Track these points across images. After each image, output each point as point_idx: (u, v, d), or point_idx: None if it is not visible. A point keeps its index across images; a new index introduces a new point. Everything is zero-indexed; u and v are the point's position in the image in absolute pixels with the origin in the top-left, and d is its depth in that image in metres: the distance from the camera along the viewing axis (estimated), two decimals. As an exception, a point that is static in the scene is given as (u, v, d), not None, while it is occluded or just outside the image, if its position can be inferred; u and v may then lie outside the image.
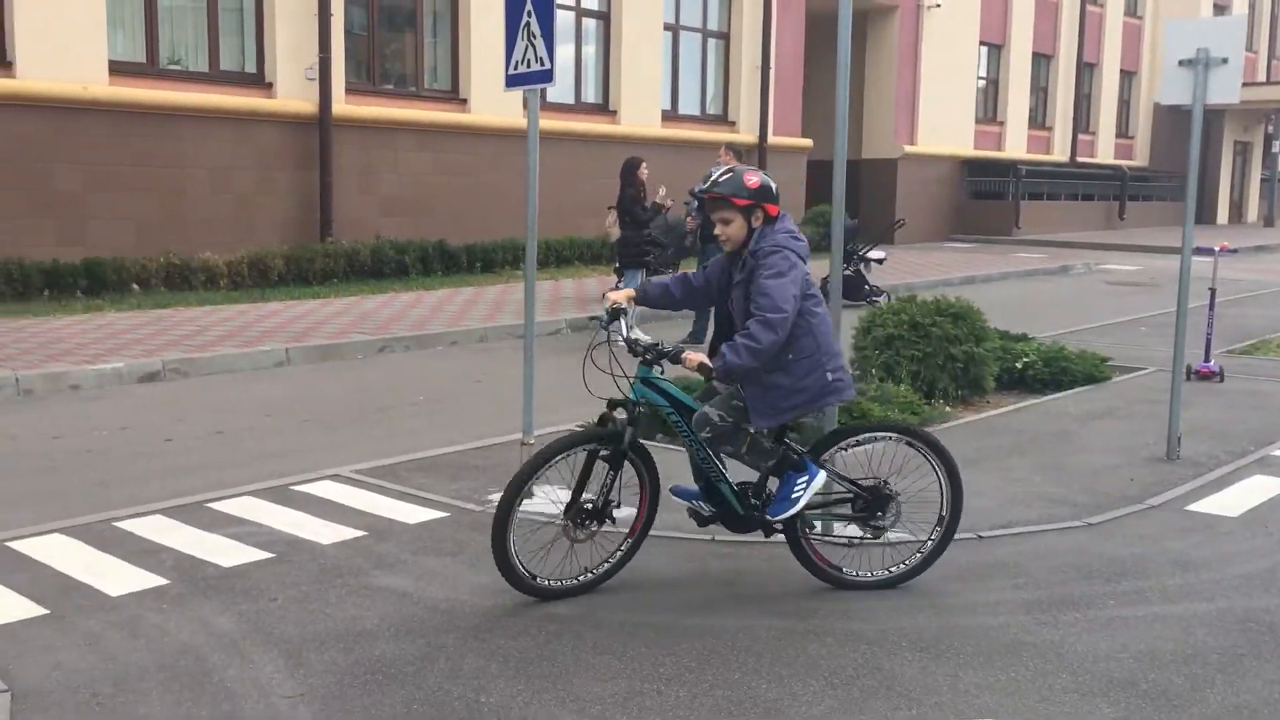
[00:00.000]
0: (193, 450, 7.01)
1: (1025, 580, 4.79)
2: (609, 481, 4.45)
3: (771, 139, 21.29)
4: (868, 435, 4.73)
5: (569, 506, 4.44)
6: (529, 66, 5.57)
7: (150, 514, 5.45)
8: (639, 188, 11.27)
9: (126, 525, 5.28)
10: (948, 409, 7.83)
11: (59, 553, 4.90)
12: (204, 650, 3.95)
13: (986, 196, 27.65)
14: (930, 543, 4.75)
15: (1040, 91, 30.92)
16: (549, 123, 17.09)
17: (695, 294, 4.73)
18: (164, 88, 13.56)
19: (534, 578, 4.41)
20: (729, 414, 4.39)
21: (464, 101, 16.65)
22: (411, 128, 15.89)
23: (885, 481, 4.71)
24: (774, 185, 4.48)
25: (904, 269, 18.48)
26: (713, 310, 8.11)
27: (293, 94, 14.61)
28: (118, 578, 4.62)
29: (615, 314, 4.53)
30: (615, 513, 4.52)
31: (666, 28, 19.57)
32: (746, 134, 20.63)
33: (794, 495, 4.43)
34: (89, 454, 6.88)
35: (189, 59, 14.17)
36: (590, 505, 4.45)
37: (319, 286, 13.81)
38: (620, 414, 4.44)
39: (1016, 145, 29.47)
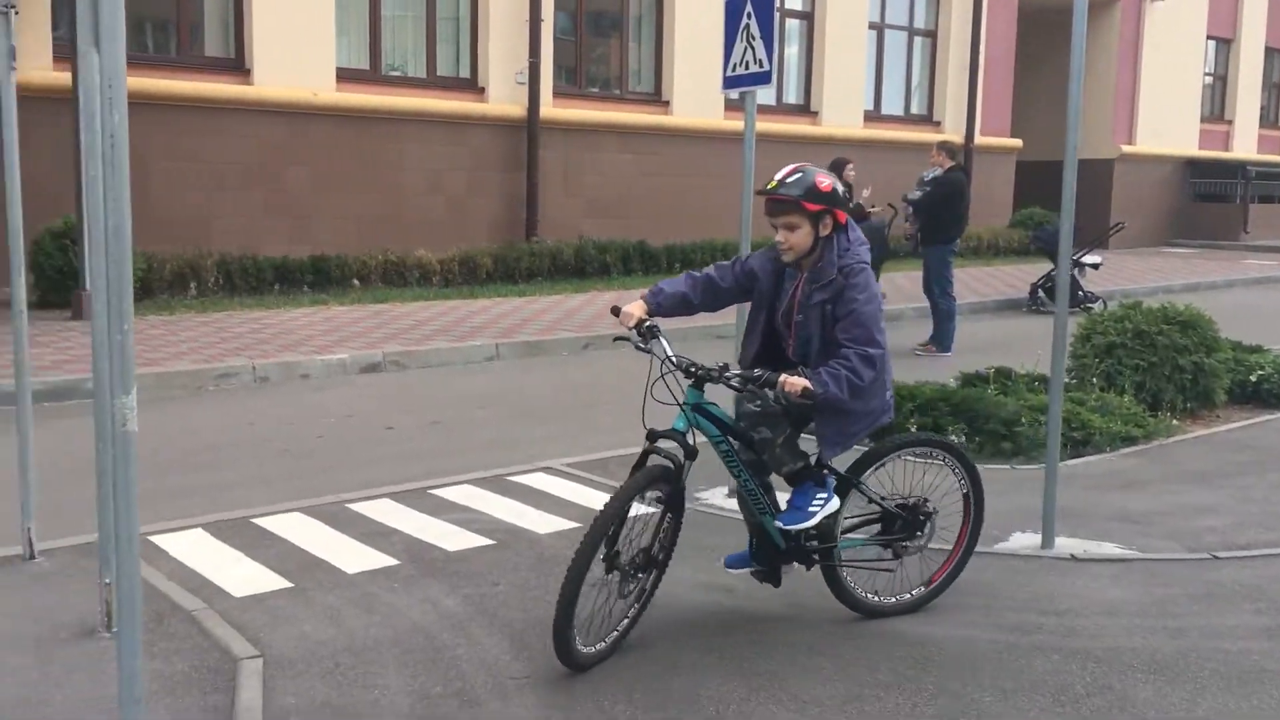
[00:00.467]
0: (413, 438, 7.34)
1: (1267, 605, 4.50)
2: (668, 526, 4.00)
3: (979, 139, 20.66)
4: (899, 450, 4.33)
5: (610, 560, 3.81)
6: (747, 68, 5.60)
7: (379, 498, 5.75)
8: (844, 188, 11.14)
9: (357, 507, 5.58)
10: (1174, 422, 7.43)
11: (299, 530, 5.22)
12: (434, 629, 4.14)
13: (1211, 199, 26.06)
14: (952, 563, 4.50)
15: (1273, 88, 28.91)
16: (750, 124, 17.11)
17: (720, 298, 4.19)
18: (386, 93, 14.25)
19: (584, 648, 3.81)
20: (783, 398, 3.86)
21: (666, 104, 16.84)
22: (615, 130, 16.17)
23: (925, 499, 4.38)
24: (841, 188, 4.07)
25: (1121, 274, 17.62)
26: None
27: (503, 98, 15.10)
28: (353, 556, 4.89)
29: (652, 332, 3.99)
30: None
31: (871, 26, 19.27)
32: (952, 134, 20.07)
33: (810, 509, 4.05)
34: (319, 439, 7.29)
35: (408, 65, 14.86)
36: (643, 554, 3.94)
37: (524, 285, 14.23)
38: (667, 445, 3.92)
39: (1245, 145, 27.64)
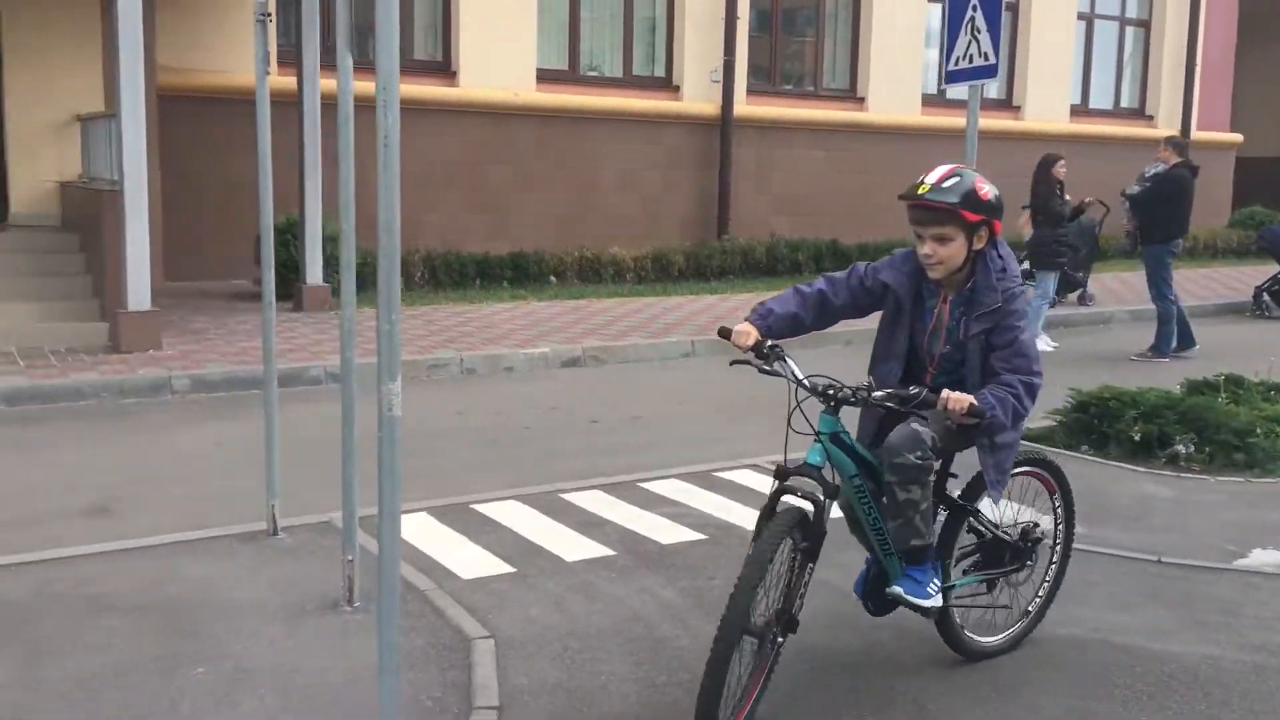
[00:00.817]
0: (617, 432, 7.47)
1: None
2: (807, 578, 3.45)
3: (1196, 133, 19.54)
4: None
5: (745, 624, 3.33)
6: (970, 62, 5.47)
7: (590, 489, 5.87)
8: (1053, 185, 10.74)
9: (570, 497, 5.72)
10: None
11: (516, 517, 5.39)
12: (654, 619, 4.21)
13: None
14: (1039, 597, 4.07)
15: None
16: (949, 119, 16.68)
17: (831, 315, 3.70)
18: (583, 93, 14.55)
19: None
20: (941, 438, 3.49)
21: (861, 100, 16.60)
22: (808, 127, 16.05)
23: (1035, 524, 3.99)
24: (995, 195, 3.54)
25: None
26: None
27: (697, 96, 15.20)
28: (570, 544, 5.01)
29: (776, 353, 3.51)
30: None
31: (1080, 17, 18.50)
32: (1165, 129, 19.08)
33: (929, 588, 3.60)
34: (526, 430, 7.50)
35: (605, 65, 15.13)
36: (783, 615, 3.44)
37: (715, 282, 14.27)
38: (799, 482, 3.42)
39: None
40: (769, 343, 3.53)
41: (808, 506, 3.40)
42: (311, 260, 11.31)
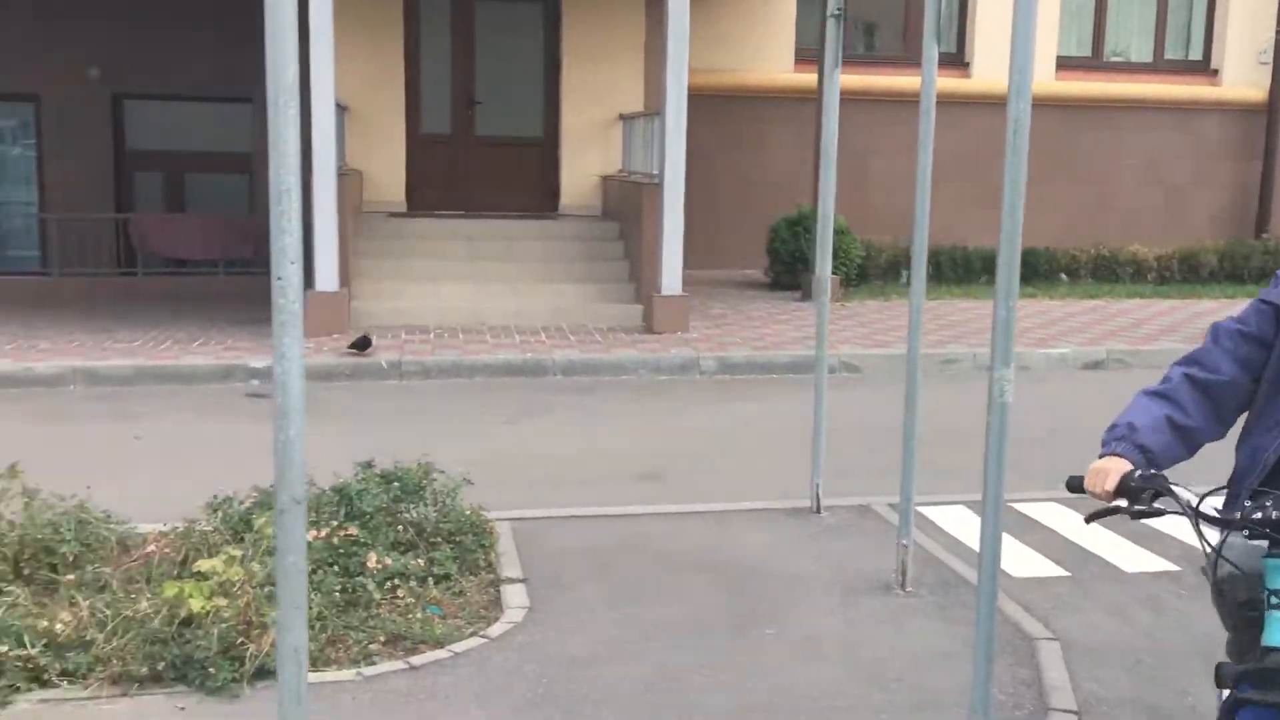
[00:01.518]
0: (1154, 441, 6.97)
1: None
2: None
3: None
4: None
5: None
6: None
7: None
8: None
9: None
10: None
11: (1059, 519, 5.20)
12: (1237, 645, 3.88)
13: None
14: None
15: None
16: None
17: (1230, 408, 2.43)
18: (1105, 80, 13.71)
19: None
20: None
21: None
22: (1378, 110, 14.02)
23: None
24: None
25: None
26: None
27: (1240, 80, 13.80)
28: (1127, 555, 4.76)
29: (1155, 481, 2.21)
30: None
31: None
32: None
33: None
34: (1052, 432, 7.19)
35: (1132, 50, 14.13)
36: None
37: (1254, 286, 12.85)
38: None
39: None
40: (1138, 472, 2.26)
41: None
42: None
